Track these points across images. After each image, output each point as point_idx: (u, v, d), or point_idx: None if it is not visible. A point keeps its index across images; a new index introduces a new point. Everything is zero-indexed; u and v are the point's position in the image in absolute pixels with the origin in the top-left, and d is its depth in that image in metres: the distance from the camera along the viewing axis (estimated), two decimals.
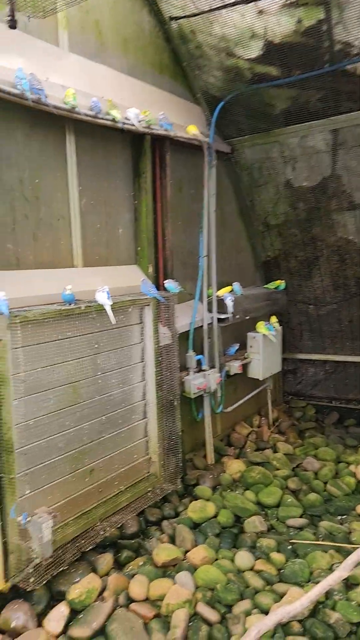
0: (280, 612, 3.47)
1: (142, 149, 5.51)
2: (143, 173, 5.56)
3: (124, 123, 5.02)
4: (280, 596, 4.31)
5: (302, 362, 8.26)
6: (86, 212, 5.03)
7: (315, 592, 3.41)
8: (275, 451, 6.91)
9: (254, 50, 5.82)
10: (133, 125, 5.12)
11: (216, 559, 4.80)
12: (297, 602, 3.45)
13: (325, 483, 6.08)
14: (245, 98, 6.36)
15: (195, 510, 5.40)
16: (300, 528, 5.32)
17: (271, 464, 6.51)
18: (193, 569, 4.65)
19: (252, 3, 5.39)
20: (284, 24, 5.48)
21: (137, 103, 5.39)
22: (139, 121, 5.20)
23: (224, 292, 6.67)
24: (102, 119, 4.81)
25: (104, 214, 5.27)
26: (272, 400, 7.96)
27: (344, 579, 3.81)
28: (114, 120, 4.89)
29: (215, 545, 5.02)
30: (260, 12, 5.44)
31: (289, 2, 5.30)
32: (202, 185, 6.32)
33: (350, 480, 6.08)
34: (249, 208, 7.45)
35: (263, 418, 7.81)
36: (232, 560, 4.79)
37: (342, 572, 3.44)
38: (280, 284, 7.74)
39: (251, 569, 4.69)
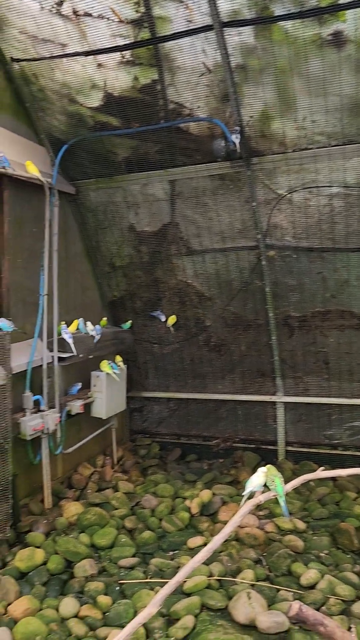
0: None
1: None
2: None
3: None
4: None
5: (147, 400, 8.43)
6: None
7: (123, 633, 3.39)
8: (116, 490, 6.88)
9: (95, 100, 6.07)
10: None
11: (40, 609, 4.60)
12: None
13: (161, 520, 6.14)
14: (89, 144, 6.56)
15: (23, 558, 5.14)
16: (132, 567, 5.30)
17: (110, 504, 6.45)
18: (14, 623, 4.39)
19: (91, 56, 5.67)
20: (122, 79, 5.81)
21: None
22: None
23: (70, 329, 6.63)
24: None
25: None
26: (117, 439, 7.97)
27: (155, 614, 3.84)
28: None
29: (41, 595, 4.81)
30: (100, 65, 5.73)
31: (125, 60, 5.66)
32: (45, 224, 6.35)
33: (185, 515, 6.21)
34: (95, 248, 7.58)
35: (107, 458, 7.77)
36: (57, 609, 4.61)
37: (151, 608, 3.48)
38: (126, 323, 7.92)
39: (76, 616, 4.55)
